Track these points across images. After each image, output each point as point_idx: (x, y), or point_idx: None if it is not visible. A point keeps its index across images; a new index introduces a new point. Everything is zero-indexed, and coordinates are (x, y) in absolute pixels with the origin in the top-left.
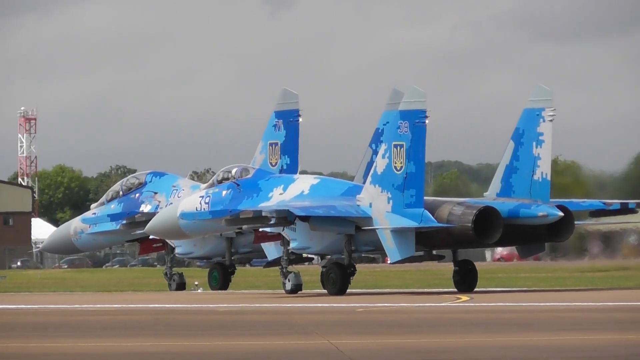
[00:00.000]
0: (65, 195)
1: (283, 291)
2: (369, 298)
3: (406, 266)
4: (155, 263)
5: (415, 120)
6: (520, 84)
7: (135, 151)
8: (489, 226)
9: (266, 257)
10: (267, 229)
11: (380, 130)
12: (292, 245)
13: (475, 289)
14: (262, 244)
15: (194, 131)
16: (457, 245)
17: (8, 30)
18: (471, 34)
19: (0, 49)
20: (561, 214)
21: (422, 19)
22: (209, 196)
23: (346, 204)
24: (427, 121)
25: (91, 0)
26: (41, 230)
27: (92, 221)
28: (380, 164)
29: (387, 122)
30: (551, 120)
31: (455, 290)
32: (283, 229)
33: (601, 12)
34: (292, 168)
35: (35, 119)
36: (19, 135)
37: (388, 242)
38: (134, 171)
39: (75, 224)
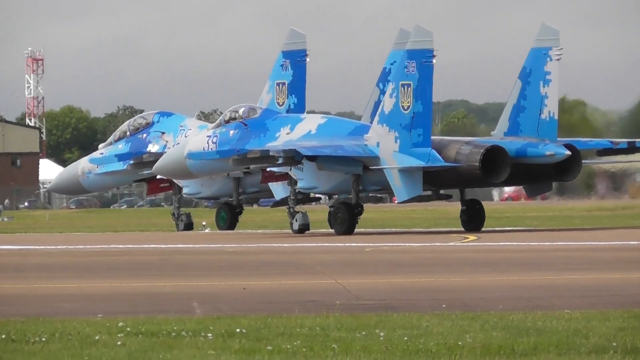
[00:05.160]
0: (73, 135)
1: (290, 231)
2: (376, 238)
3: (413, 205)
4: (163, 203)
5: (422, 59)
6: (529, 22)
7: (143, 91)
8: (497, 165)
9: (273, 197)
10: (275, 169)
11: (387, 70)
12: (300, 185)
13: (483, 229)
14: (269, 184)
15: (201, 71)
16: (465, 184)
17: None
18: None
19: None
20: (568, 152)
21: None
22: (217, 136)
23: (354, 144)
24: (434, 60)
25: None
26: (49, 170)
27: (100, 161)
28: (387, 103)
29: (395, 62)
30: (558, 59)
31: (463, 229)
32: (290, 169)
33: None
34: (299, 108)
35: (42, 60)
36: (26, 75)
37: (395, 182)
38: (142, 111)
39: (82, 164)
